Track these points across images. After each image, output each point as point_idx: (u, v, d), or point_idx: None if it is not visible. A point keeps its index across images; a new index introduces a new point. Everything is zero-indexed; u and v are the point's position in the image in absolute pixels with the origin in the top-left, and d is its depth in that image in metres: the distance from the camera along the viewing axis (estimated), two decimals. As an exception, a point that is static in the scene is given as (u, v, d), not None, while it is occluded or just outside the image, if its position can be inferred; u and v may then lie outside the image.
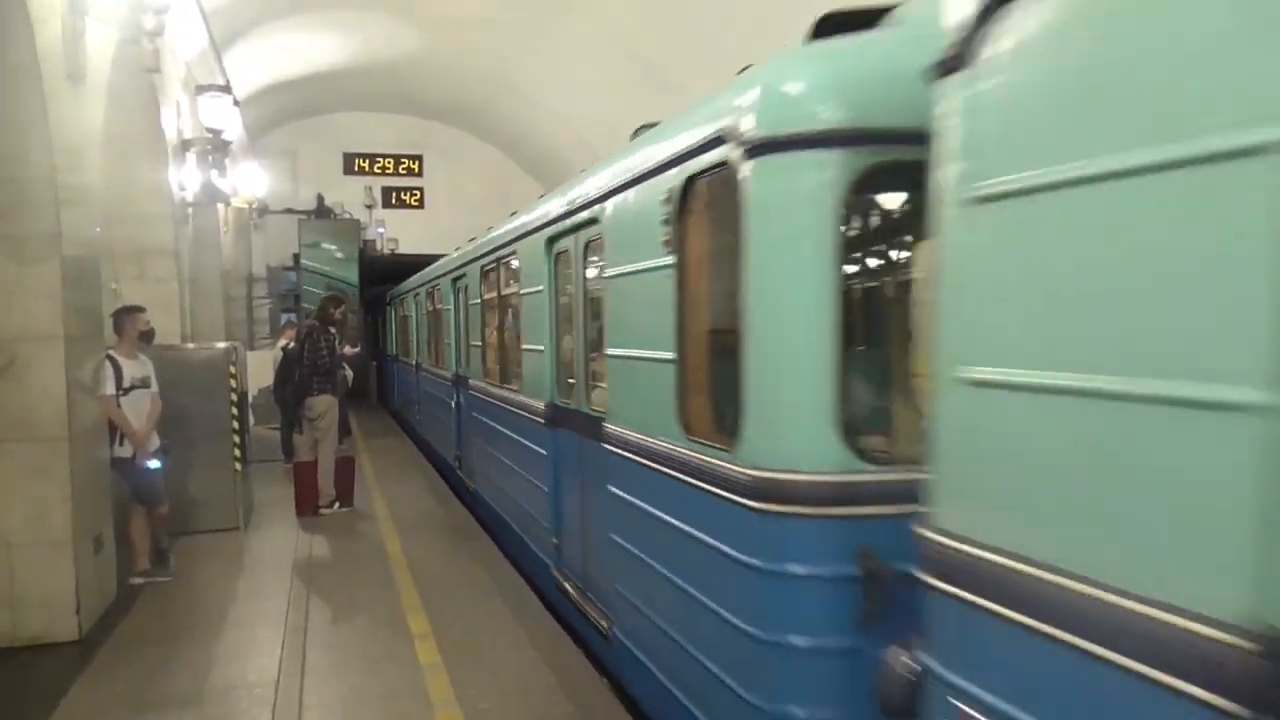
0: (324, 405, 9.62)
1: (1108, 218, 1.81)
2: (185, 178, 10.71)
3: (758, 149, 3.29)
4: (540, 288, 6.61)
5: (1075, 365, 1.88)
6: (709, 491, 3.68)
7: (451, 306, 11.32)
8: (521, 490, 7.53)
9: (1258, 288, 1.50)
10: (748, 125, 3.34)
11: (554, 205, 6.34)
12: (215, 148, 11.07)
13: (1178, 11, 1.68)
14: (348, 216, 21.50)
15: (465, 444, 10.65)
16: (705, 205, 3.93)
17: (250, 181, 15.42)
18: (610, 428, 4.95)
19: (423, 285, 14.42)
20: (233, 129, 11.91)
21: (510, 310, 8.06)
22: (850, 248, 3.31)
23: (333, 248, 20.66)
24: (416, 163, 22.52)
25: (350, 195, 21.79)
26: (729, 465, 3.50)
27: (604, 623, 5.28)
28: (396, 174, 22.51)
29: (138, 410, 7.00)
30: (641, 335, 4.47)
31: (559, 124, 18.49)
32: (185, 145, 10.75)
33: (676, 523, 4.07)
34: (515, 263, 7.60)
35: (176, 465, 7.83)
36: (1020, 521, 2.05)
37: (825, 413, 3.16)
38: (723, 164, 3.56)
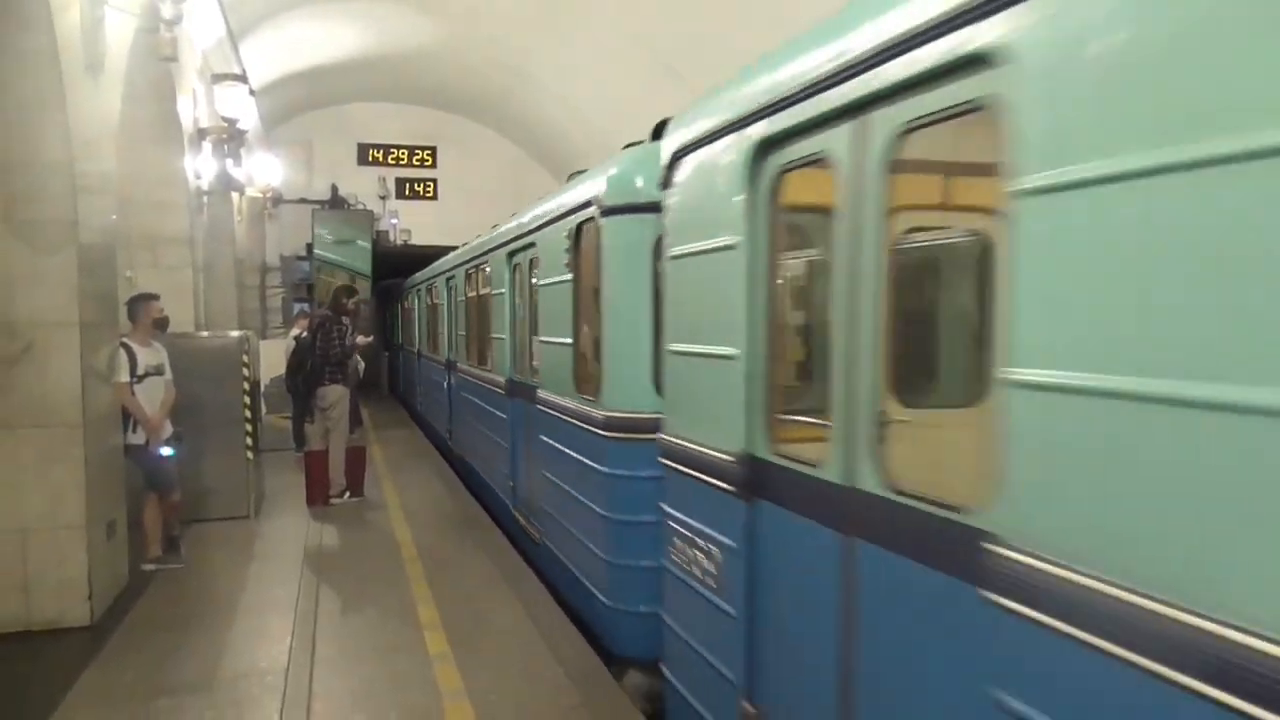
0: (335, 395, 9.64)
1: (698, 272, 3.78)
2: (201, 166, 10.75)
3: (608, 211, 5.42)
4: (503, 290, 8.56)
5: (689, 339, 3.87)
6: (585, 428, 5.71)
7: (444, 302, 13.35)
8: (489, 448, 9.52)
9: (739, 306, 3.35)
10: (603, 196, 5.46)
11: (512, 227, 8.30)
12: (231, 137, 11.11)
13: (709, 189, 3.69)
14: (361, 207, 21.55)
15: (455, 418, 12.41)
16: (587, 242, 5.87)
17: (265, 171, 15.48)
18: (540, 393, 6.97)
19: (422, 283, 16.45)
20: (248, 118, 11.94)
21: (485, 306, 9.98)
22: (659, 276, 4.98)
23: (346, 238, 20.72)
24: (430, 154, 22.52)
25: (364, 186, 21.83)
26: (594, 410, 5.54)
27: (536, 534, 7.37)
28: (410, 165, 22.52)
29: (151, 397, 7.03)
30: (556, 326, 6.44)
31: (572, 116, 18.48)
32: (201, 134, 10.79)
33: (571, 452, 6.06)
34: (488, 269, 9.55)
35: (189, 453, 7.85)
36: (685, 421, 3.99)
37: (646, 374, 5.15)
38: (593, 218, 5.60)
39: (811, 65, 2.89)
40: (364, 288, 19.09)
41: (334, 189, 21.41)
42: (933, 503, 2.41)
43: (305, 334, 10.62)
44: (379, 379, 23.84)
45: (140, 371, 6.93)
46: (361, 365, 10.83)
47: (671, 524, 4.11)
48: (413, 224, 22.17)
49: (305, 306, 18.82)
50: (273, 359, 12.38)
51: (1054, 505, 1.90)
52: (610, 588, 5.42)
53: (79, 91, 5.89)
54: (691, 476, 3.84)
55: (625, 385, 5.26)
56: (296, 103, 19.79)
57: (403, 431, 16.36)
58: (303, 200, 20.74)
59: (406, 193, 22.49)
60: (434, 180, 22.64)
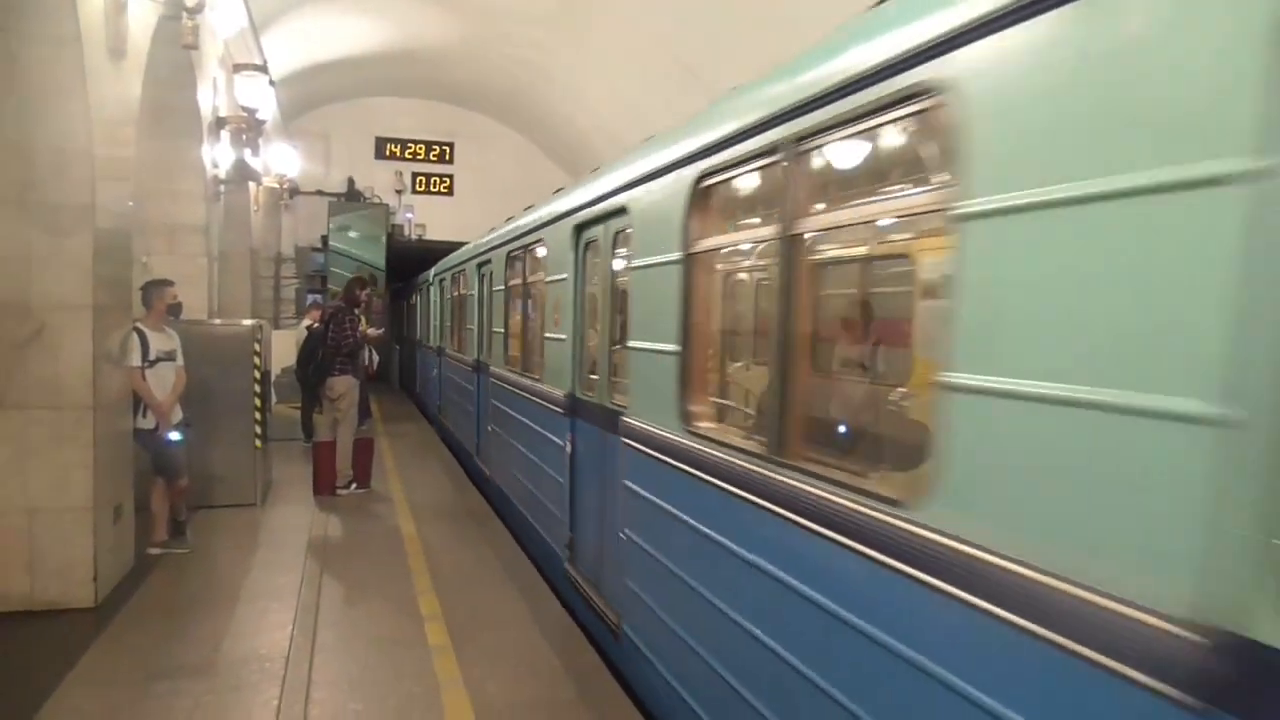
0: (344, 386, 9.69)
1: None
2: (219, 155, 10.81)
3: (428, 284, 17.15)
4: (473, 291, 11.70)
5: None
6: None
7: (434, 299, 17.11)
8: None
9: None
10: (429, 279, 17.11)
11: (455, 257, 14.21)
12: (249, 127, 11.16)
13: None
14: (377, 201, 21.64)
15: (444, 399, 15.11)
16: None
17: (282, 162, 15.55)
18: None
19: (423, 283, 19.17)
20: (267, 109, 12.00)
21: (464, 304, 13.20)
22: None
23: (361, 231, 20.81)
24: (447, 150, 22.59)
25: (380, 180, 21.91)
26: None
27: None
28: (427, 160, 22.60)
29: (162, 383, 7.08)
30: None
31: (588, 114, 18.50)
32: (220, 123, 10.84)
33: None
34: (463, 277, 13.01)
35: (198, 439, 7.91)
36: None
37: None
38: (429, 281, 17.05)
39: None
40: (378, 280, 19.16)
41: (350, 182, 21.49)
42: None
43: (317, 324, 10.68)
44: (389, 372, 23.92)
45: (152, 357, 6.97)
46: (376, 358, 10.87)
47: None
48: (428, 219, 22.23)
49: (318, 298, 18.90)
50: (284, 348, 12.45)
51: None
52: None
53: (100, 77, 5.93)
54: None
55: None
56: (316, 95, 19.88)
57: (411, 425, 16.41)
58: (319, 192, 20.82)
59: (422, 188, 22.57)
60: (450, 176, 22.71)
